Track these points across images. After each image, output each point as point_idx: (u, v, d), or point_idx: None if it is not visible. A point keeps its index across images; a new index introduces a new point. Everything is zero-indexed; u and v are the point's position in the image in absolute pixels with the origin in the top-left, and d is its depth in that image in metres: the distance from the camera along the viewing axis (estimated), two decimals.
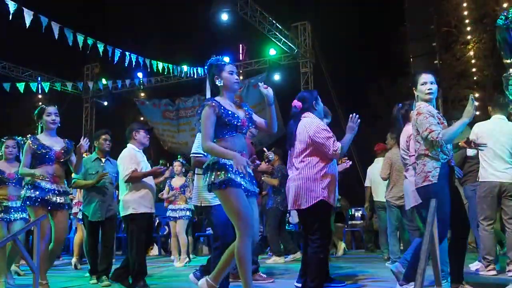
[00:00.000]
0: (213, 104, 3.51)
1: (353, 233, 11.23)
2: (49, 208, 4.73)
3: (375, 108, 20.61)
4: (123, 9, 20.67)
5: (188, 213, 8.29)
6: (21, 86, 14.33)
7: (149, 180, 5.36)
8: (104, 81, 16.97)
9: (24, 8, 9.11)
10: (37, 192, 4.68)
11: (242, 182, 3.44)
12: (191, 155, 4.53)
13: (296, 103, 4.39)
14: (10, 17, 8.91)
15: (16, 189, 5.78)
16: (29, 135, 4.95)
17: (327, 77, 15.91)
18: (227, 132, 3.54)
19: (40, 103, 20.69)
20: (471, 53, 16.92)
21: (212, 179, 3.42)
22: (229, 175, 3.38)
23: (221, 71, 3.66)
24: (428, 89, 4.05)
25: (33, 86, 14.93)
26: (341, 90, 16.21)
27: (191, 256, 9.27)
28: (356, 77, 20.19)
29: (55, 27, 9.96)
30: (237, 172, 3.41)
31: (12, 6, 8.88)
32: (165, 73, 15.81)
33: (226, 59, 3.84)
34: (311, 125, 4.14)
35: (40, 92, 16.26)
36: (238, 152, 3.43)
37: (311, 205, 4.00)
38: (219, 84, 3.65)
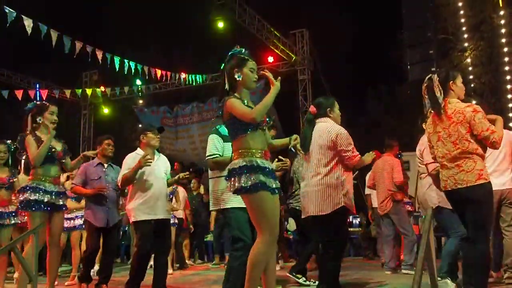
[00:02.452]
0: (237, 96, 3.40)
1: (351, 240, 11.23)
2: (49, 210, 4.67)
3: (373, 115, 20.66)
4: (122, 17, 20.72)
5: (176, 220, 8.29)
6: (19, 93, 14.32)
7: (156, 184, 5.04)
8: (102, 88, 16.98)
9: (23, 16, 9.13)
10: (38, 195, 4.58)
11: (272, 184, 3.30)
12: (207, 157, 4.32)
13: (311, 108, 4.44)
14: (8, 24, 8.93)
15: (7, 194, 5.74)
16: (23, 134, 4.75)
17: (325, 84, 15.95)
18: (248, 129, 3.35)
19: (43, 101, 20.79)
20: (468, 60, 16.94)
21: (242, 183, 3.24)
22: (260, 178, 3.24)
23: (242, 65, 3.50)
24: (464, 88, 4.02)
25: (31, 93, 14.92)
26: (339, 97, 16.18)
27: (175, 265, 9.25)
28: (354, 84, 20.25)
29: (54, 35, 9.98)
30: (266, 173, 3.28)
31: (10, 14, 8.90)
32: (164, 81, 15.84)
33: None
34: (332, 130, 4.15)
35: (38, 99, 16.23)
36: (260, 149, 3.34)
37: (332, 212, 4.01)
38: (237, 78, 3.47)
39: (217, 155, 4.28)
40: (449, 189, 3.84)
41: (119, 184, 5.11)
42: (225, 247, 9.44)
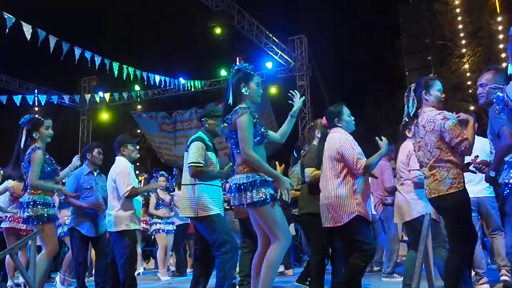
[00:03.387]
0: (251, 112, 3.48)
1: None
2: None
3: (372, 122, 20.67)
4: (121, 22, 20.76)
5: (172, 227, 8.36)
6: (17, 99, 14.32)
7: (137, 197, 5.39)
8: (101, 93, 17.00)
9: (22, 22, 9.15)
10: (48, 209, 4.65)
11: (274, 193, 3.44)
12: (191, 164, 4.35)
13: (323, 120, 4.47)
14: (7, 30, 8.95)
15: None
16: (35, 145, 4.71)
17: (323, 90, 15.98)
18: (257, 143, 3.50)
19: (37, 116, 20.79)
20: (466, 66, 17.02)
21: (254, 198, 3.36)
22: (271, 191, 3.39)
23: (249, 80, 3.62)
24: (444, 97, 4.07)
25: (30, 98, 14.92)
26: (337, 103, 16.26)
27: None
28: (352, 90, 20.29)
29: (52, 40, 10.00)
30: (270, 184, 3.42)
31: (9, 20, 8.93)
32: (162, 86, 15.85)
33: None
34: (338, 140, 4.16)
35: (36, 104, 16.25)
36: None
37: (347, 222, 4.02)
38: (244, 93, 3.58)
39: (202, 164, 4.35)
40: (429, 197, 3.91)
41: (125, 195, 5.14)
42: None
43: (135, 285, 5.16)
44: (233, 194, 3.48)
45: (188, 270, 9.48)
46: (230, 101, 3.58)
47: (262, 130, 3.54)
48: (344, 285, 4.02)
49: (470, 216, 3.84)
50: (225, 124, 3.66)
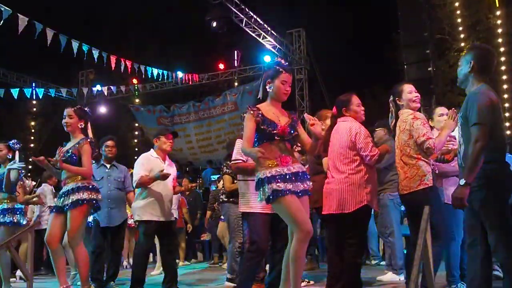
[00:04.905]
0: (253, 111, 3.59)
1: None
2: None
3: (369, 115, 20.63)
4: (118, 15, 20.68)
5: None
6: (15, 92, 14.28)
7: (163, 188, 5.22)
8: (98, 87, 16.95)
9: (18, 14, 9.09)
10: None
11: (289, 187, 3.45)
12: (232, 162, 4.69)
13: (333, 109, 4.50)
14: (4, 22, 8.90)
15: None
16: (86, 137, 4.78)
17: (321, 83, 15.95)
18: (266, 139, 3.58)
19: (34, 109, 20.75)
20: None
21: (266, 195, 3.47)
22: (274, 186, 3.43)
23: (275, 77, 3.69)
24: (416, 97, 4.16)
25: (27, 92, 14.88)
26: (335, 96, 16.16)
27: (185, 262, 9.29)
28: (350, 83, 20.22)
29: (50, 33, 9.94)
30: (282, 179, 3.45)
31: (6, 12, 8.87)
32: (160, 80, 15.82)
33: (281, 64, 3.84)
34: (352, 130, 4.22)
35: (34, 97, 16.21)
36: (277, 158, 3.51)
37: (355, 210, 4.06)
38: (268, 90, 3.69)
39: (240, 161, 4.57)
40: (400, 194, 4.10)
41: (135, 185, 5.27)
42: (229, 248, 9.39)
43: (142, 280, 5.17)
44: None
45: (181, 263, 9.52)
46: (260, 96, 3.75)
47: (265, 127, 3.56)
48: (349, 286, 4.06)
49: (441, 212, 3.94)
50: None
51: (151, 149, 5.47)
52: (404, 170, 3.99)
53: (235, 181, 5.35)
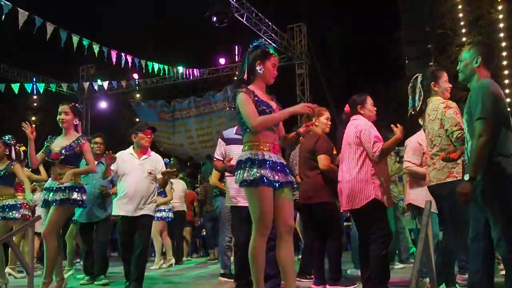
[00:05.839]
0: (248, 90, 3.37)
1: (348, 234, 11.23)
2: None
3: None
4: (118, 10, 20.62)
5: (168, 214, 8.29)
6: (15, 87, 14.27)
7: (132, 182, 5.05)
8: (99, 82, 16.93)
9: (18, 9, 9.06)
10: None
11: (276, 178, 3.26)
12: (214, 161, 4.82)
13: (346, 107, 4.50)
14: (4, 17, 8.88)
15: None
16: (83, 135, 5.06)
17: (322, 79, 15.91)
18: None
19: (35, 104, 20.74)
20: None
21: (245, 176, 3.26)
22: (262, 172, 3.23)
23: (266, 59, 3.47)
24: (450, 87, 4.08)
25: (28, 87, 14.86)
26: (336, 91, 16.21)
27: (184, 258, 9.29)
28: (351, 79, 20.19)
29: (50, 28, 9.91)
30: (272, 167, 3.26)
31: (6, 6, 8.84)
32: (161, 74, 15.79)
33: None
34: (358, 127, 4.23)
35: (35, 93, 16.19)
36: (269, 143, 3.34)
37: (363, 205, 4.06)
38: (258, 71, 3.45)
39: (215, 159, 4.71)
40: (428, 185, 3.99)
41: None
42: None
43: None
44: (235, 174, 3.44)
45: (185, 258, 9.52)
46: (245, 76, 3.47)
47: (264, 107, 3.38)
48: (375, 281, 4.06)
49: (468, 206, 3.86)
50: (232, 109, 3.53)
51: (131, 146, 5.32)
52: (433, 161, 3.89)
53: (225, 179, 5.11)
